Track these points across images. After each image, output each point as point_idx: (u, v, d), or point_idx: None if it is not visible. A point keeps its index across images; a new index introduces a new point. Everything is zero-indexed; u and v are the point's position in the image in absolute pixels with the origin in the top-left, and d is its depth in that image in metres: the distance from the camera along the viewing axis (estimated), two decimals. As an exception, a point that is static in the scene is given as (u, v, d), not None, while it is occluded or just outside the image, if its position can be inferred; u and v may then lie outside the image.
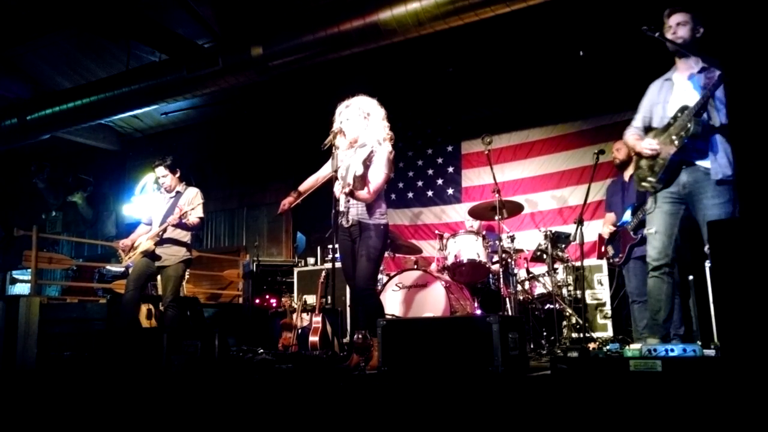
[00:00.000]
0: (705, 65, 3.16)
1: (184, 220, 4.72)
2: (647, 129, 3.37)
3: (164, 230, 4.77)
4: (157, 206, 5.05)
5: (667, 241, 3.14)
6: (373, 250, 3.55)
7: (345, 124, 3.65)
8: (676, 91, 3.24)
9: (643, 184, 3.27)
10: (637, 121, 3.43)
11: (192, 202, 4.86)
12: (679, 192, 3.14)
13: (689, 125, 3.01)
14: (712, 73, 3.10)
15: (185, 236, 4.89)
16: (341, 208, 3.63)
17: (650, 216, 3.23)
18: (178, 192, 5.00)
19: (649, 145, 3.19)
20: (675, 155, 3.08)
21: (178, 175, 5.04)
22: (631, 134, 3.43)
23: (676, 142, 3.06)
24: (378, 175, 3.56)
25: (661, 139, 3.17)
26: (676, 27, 3.15)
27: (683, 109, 3.10)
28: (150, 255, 4.78)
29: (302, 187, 3.93)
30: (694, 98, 3.10)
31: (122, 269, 7.00)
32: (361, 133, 3.66)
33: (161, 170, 4.97)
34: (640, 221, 4.15)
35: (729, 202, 2.99)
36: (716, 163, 3.02)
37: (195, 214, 4.78)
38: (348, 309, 5.79)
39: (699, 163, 3.08)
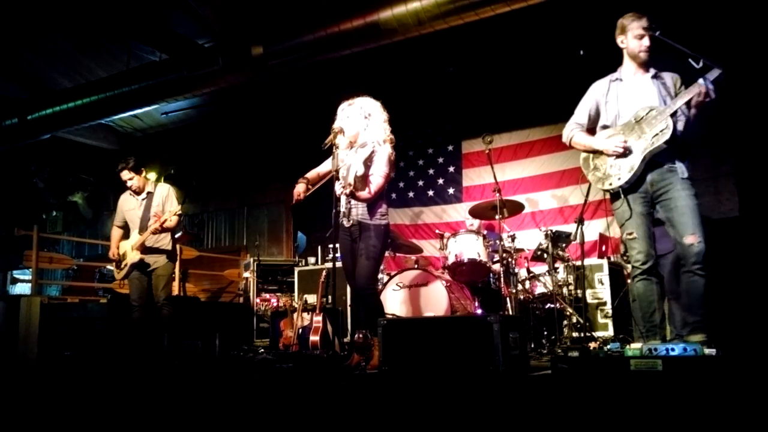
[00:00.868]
0: (657, 71, 3.20)
1: (164, 226, 4.66)
2: (591, 128, 3.34)
3: (147, 238, 4.69)
4: (129, 208, 4.88)
5: (648, 242, 3.13)
6: (373, 249, 3.55)
7: (345, 122, 3.65)
8: (631, 91, 3.21)
9: (610, 183, 3.19)
10: (581, 119, 3.38)
11: (168, 202, 4.80)
12: (647, 191, 3.14)
13: (667, 123, 3.01)
14: (663, 80, 3.16)
15: (166, 238, 4.84)
16: (342, 208, 3.62)
17: (628, 222, 3.15)
18: (149, 192, 4.85)
19: (619, 143, 3.13)
20: (648, 154, 3.07)
21: (144, 174, 4.88)
22: (578, 131, 3.37)
23: (651, 140, 3.05)
24: (379, 176, 3.57)
25: (621, 137, 3.15)
26: (644, 31, 3.15)
27: (650, 108, 3.09)
28: (138, 266, 4.74)
29: (309, 176, 3.91)
30: (653, 100, 3.12)
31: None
32: (361, 132, 3.66)
33: (126, 174, 4.76)
34: None
35: (696, 195, 3.08)
36: (679, 163, 3.10)
37: (174, 214, 4.69)
38: (349, 308, 5.79)
39: (666, 162, 3.10)
